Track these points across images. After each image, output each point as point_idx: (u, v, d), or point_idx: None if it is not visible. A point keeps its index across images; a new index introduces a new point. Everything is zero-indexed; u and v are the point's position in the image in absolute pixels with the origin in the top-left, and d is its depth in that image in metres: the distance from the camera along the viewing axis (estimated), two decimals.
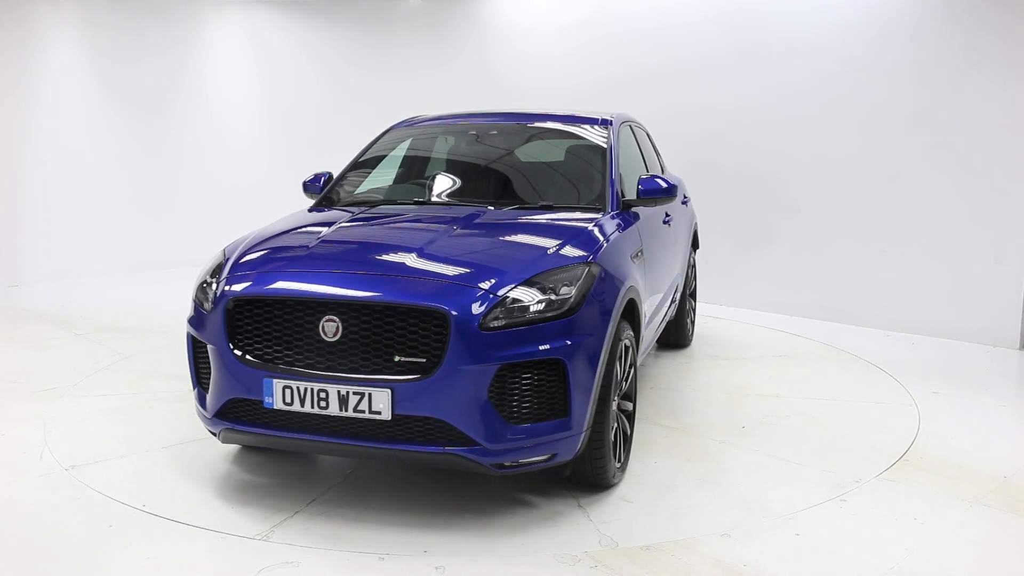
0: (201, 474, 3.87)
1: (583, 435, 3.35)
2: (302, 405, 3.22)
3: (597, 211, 4.18)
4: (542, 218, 4.09)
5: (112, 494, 3.63)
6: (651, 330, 4.65)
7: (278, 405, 3.27)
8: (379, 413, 3.15)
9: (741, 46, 7.53)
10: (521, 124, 5.00)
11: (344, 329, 3.19)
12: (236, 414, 3.42)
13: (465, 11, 9.78)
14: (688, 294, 6.17)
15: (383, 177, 4.90)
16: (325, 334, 3.21)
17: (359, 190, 4.76)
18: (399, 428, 3.18)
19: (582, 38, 8.67)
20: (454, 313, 3.13)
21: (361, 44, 10.32)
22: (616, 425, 3.69)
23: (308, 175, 4.94)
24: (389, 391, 3.12)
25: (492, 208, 4.22)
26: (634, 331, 3.96)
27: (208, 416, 3.52)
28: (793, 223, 7.41)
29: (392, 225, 4.12)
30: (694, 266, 6.36)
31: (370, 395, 3.14)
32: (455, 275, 3.33)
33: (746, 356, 6.02)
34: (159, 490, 3.70)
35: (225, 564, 3.10)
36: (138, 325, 6.66)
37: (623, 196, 4.39)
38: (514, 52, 9.33)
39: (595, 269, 3.48)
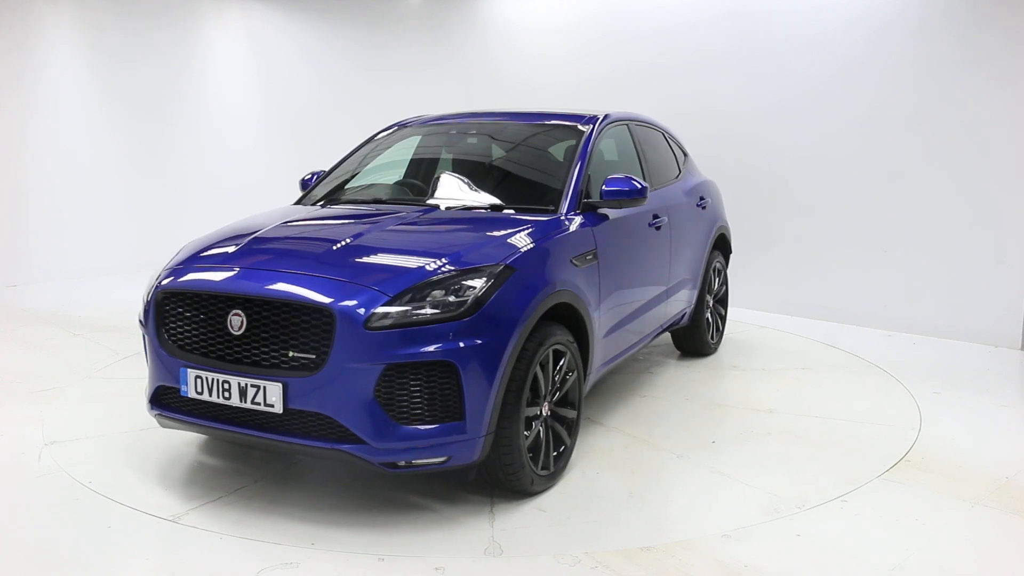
0: (167, 457, 4.05)
1: (483, 440, 3.30)
2: (210, 395, 3.37)
3: (550, 212, 4.11)
4: (482, 219, 4.07)
5: (111, 495, 3.63)
6: (618, 336, 4.44)
7: (191, 394, 3.42)
8: (272, 406, 3.23)
9: (742, 46, 7.53)
10: (502, 123, 4.98)
11: (248, 323, 3.30)
12: (165, 401, 3.59)
13: (465, 11, 9.77)
14: (713, 300, 5.96)
15: (359, 176, 4.95)
16: (232, 328, 3.33)
17: (332, 189, 4.85)
18: (292, 421, 3.25)
19: (582, 38, 8.66)
20: (339, 311, 3.17)
21: (361, 44, 10.31)
22: (541, 431, 3.61)
23: (306, 174, 5.12)
24: (281, 385, 3.21)
25: (441, 208, 4.26)
26: (576, 336, 3.87)
27: (147, 401, 3.69)
28: (794, 223, 7.40)
29: (327, 223, 4.15)
30: (720, 271, 6.09)
31: (265, 388, 3.24)
32: (354, 274, 3.35)
33: (768, 368, 5.75)
34: (123, 476, 3.73)
35: (225, 565, 3.09)
36: (136, 325, 6.63)
37: (588, 197, 4.27)
38: (514, 52, 9.32)
39: (506, 272, 3.43)
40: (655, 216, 4.91)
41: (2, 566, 3.06)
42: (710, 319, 5.95)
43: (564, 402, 3.80)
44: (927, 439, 4.39)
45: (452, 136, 5.07)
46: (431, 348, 3.16)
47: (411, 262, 3.43)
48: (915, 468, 4.02)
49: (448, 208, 4.27)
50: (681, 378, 5.49)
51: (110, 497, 3.61)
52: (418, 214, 4.14)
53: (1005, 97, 6.19)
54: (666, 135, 5.83)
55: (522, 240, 3.70)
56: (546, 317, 3.66)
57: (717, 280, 6.04)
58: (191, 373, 3.40)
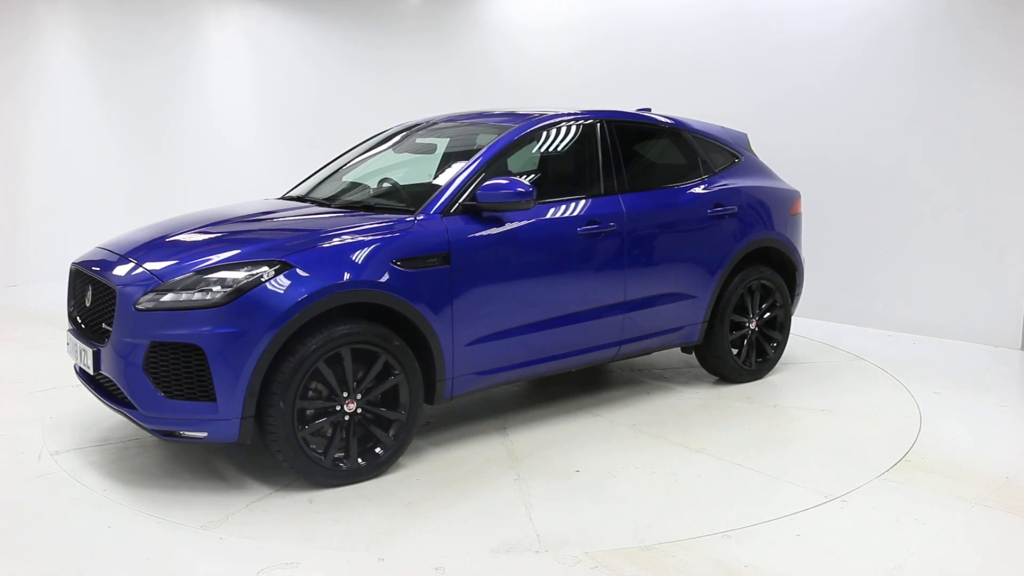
0: (167, 457, 4.02)
1: (239, 422, 3.51)
2: (72, 356, 4.03)
3: (408, 213, 4.04)
4: (322, 217, 4.20)
5: (111, 494, 3.64)
6: (514, 345, 4.24)
7: (69, 354, 4.08)
8: (88, 368, 3.79)
9: (742, 46, 7.52)
10: (464, 125, 4.94)
11: (93, 298, 3.88)
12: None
13: (465, 11, 9.77)
14: (756, 322, 5.33)
15: (317, 176, 5.11)
16: (87, 301, 3.92)
17: (292, 188, 5.12)
18: (104, 383, 3.80)
19: (582, 38, 8.66)
20: (119, 292, 3.63)
21: (361, 44, 10.31)
22: (344, 428, 3.70)
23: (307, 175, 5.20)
24: (92, 351, 3.73)
25: (316, 207, 4.44)
26: (409, 338, 3.85)
27: None
28: None
29: (218, 218, 4.29)
30: (770, 291, 5.39)
31: (87, 353, 3.78)
32: (150, 260, 3.74)
33: (784, 405, 4.95)
34: (122, 476, 3.71)
35: (224, 565, 3.09)
36: None
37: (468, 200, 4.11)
38: (514, 52, 9.32)
39: (274, 268, 3.57)
40: (591, 222, 4.48)
41: (2, 566, 3.06)
42: (750, 342, 5.33)
43: (393, 403, 3.82)
44: (927, 439, 4.39)
45: (408, 139, 5.07)
46: (184, 331, 3.48)
47: (198, 253, 3.72)
48: (915, 468, 4.02)
49: (321, 207, 4.43)
50: (663, 404, 4.93)
51: (110, 497, 3.62)
52: (283, 212, 4.37)
53: (1005, 97, 6.19)
54: (691, 135, 5.28)
55: (312, 238, 3.78)
56: (362, 315, 3.75)
57: (756, 299, 5.33)
58: (69, 337, 4.04)
